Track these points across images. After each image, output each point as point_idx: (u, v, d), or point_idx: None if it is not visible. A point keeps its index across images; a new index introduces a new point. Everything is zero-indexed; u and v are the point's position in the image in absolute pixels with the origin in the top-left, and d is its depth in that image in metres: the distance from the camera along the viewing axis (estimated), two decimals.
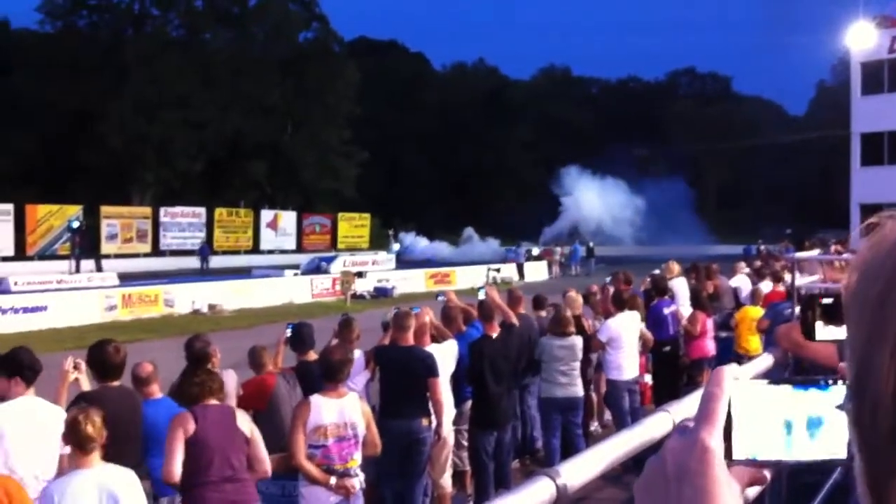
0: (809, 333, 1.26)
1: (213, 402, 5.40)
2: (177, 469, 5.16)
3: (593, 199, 53.20)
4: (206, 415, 5.28)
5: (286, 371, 7.27)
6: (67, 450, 4.69)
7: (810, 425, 0.82)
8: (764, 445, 0.83)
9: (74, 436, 4.51)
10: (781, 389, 0.83)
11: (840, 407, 0.78)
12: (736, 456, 0.82)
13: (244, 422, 5.45)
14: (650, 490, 0.78)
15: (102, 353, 5.96)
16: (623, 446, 2.75)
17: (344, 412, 5.90)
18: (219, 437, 5.26)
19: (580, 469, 2.37)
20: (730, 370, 0.83)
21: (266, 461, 5.48)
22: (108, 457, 4.73)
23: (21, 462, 5.19)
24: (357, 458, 5.99)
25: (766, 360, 5.21)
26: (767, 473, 0.85)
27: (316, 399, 5.89)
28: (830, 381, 0.82)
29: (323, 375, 6.08)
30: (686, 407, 3.15)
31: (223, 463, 5.25)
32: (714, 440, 0.77)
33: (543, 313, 10.44)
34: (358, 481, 5.96)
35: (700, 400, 0.82)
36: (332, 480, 5.77)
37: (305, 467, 5.79)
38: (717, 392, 0.81)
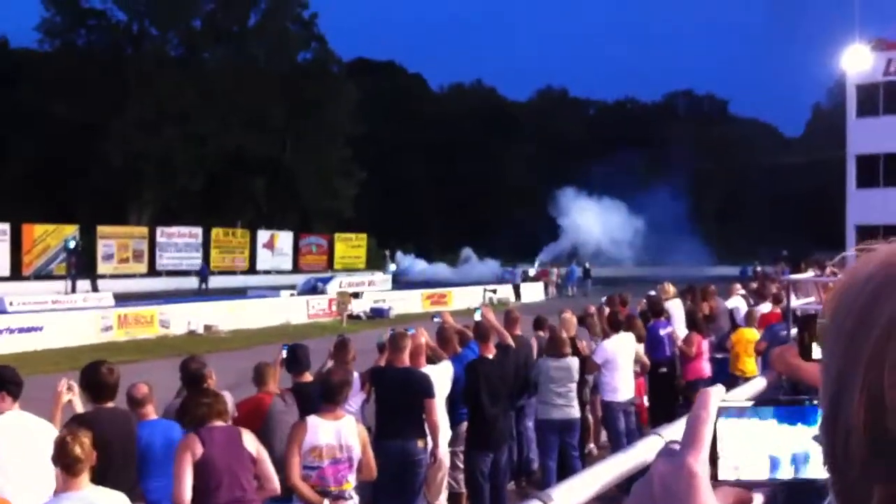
0: (806, 354, 1.25)
1: (220, 423, 5.37)
2: (187, 493, 5.12)
3: (591, 221, 53.29)
4: (213, 437, 5.25)
5: (284, 392, 7.23)
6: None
7: (796, 461, 0.82)
8: (749, 473, 0.83)
9: (63, 457, 4.48)
10: (767, 425, 0.84)
11: (816, 438, 0.78)
12: (722, 477, 0.82)
13: (250, 441, 5.42)
14: None
15: (96, 374, 5.94)
16: (616, 469, 2.75)
17: (340, 434, 5.88)
18: (227, 458, 5.22)
19: (573, 492, 2.37)
20: (716, 392, 0.83)
21: (274, 479, 5.46)
22: (102, 479, 4.71)
23: (13, 476, 5.17)
24: (352, 480, 5.96)
25: (761, 383, 5.21)
26: (760, 496, 0.85)
27: (313, 420, 5.87)
28: (815, 401, 0.83)
29: (322, 396, 6.06)
30: (680, 429, 3.15)
31: (232, 485, 5.22)
32: (700, 464, 0.77)
33: (542, 334, 10.45)
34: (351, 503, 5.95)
35: (686, 423, 0.82)
36: (326, 502, 5.75)
37: (300, 488, 5.75)
38: (703, 415, 0.81)
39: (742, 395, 4.41)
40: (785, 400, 0.85)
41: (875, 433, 0.66)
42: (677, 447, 0.80)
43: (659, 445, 2.96)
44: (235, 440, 5.34)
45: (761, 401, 0.86)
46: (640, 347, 10.43)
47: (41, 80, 49.24)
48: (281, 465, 5.77)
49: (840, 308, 0.72)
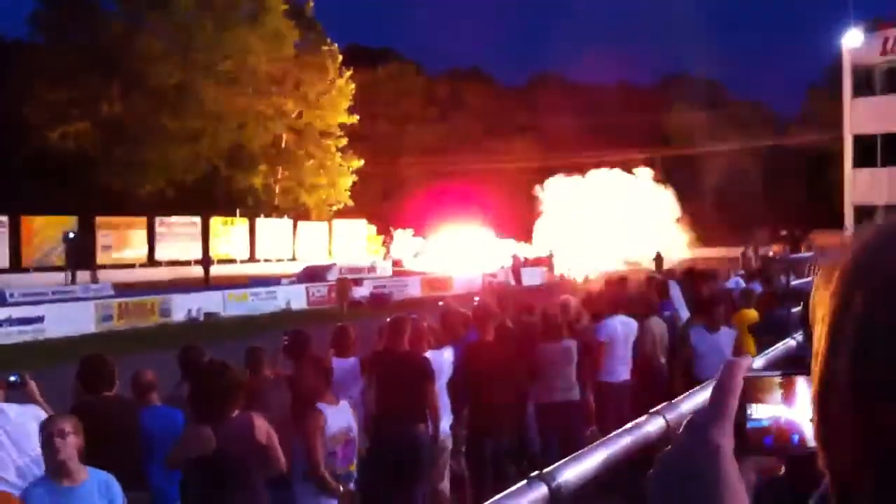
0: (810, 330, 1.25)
1: (235, 412, 5.25)
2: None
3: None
4: (227, 430, 5.14)
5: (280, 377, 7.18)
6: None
7: None
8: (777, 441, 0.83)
9: None
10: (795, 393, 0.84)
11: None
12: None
13: (262, 427, 5.31)
14: (661, 485, 0.79)
15: (92, 365, 6.04)
16: (617, 448, 2.76)
17: (345, 416, 5.94)
18: (239, 452, 5.13)
19: (574, 471, 2.38)
20: (741, 363, 0.83)
21: (282, 460, 5.40)
22: (104, 464, 4.75)
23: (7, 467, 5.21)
24: (355, 459, 6.02)
25: (760, 362, 5.22)
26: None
27: (324, 408, 5.84)
28: None
29: (319, 384, 6.03)
30: (680, 409, 3.16)
31: (241, 479, 5.16)
32: (724, 435, 0.77)
33: (540, 317, 10.45)
34: (353, 483, 6.01)
35: (710, 394, 0.82)
36: (342, 488, 5.77)
37: (326, 480, 5.65)
38: (728, 386, 0.80)
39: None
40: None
41: (859, 388, 0.67)
42: (702, 419, 0.80)
43: (660, 424, 2.98)
44: (248, 432, 5.21)
45: (787, 372, 0.85)
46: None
47: (34, 73, 49.11)
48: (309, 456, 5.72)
49: (822, 296, 0.73)
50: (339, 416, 5.88)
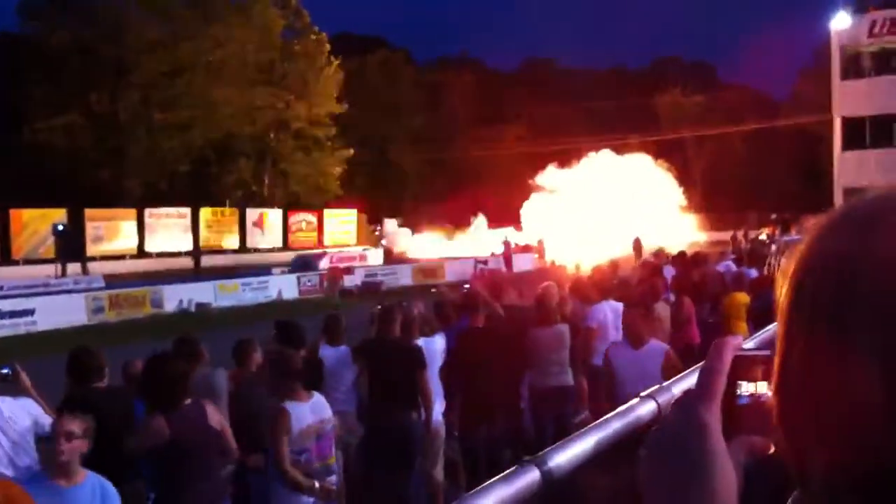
0: None
1: (187, 401, 5.25)
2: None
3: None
4: (180, 417, 5.14)
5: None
6: None
7: None
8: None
9: None
10: None
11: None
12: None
13: (214, 414, 5.35)
14: (651, 463, 0.79)
15: (80, 359, 6.03)
16: (609, 432, 2.76)
17: (318, 409, 5.84)
18: (194, 438, 5.14)
19: (565, 455, 2.38)
20: (731, 343, 0.83)
21: (234, 449, 5.45)
22: (101, 455, 4.74)
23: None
24: (333, 452, 5.96)
25: (750, 346, 5.23)
26: None
27: (291, 405, 5.68)
28: None
29: (295, 378, 5.88)
30: (671, 393, 3.17)
31: (199, 464, 5.18)
32: (711, 414, 0.78)
33: (534, 303, 10.45)
34: (335, 478, 5.93)
35: (699, 373, 0.82)
36: (316, 484, 5.63)
37: (293, 476, 5.54)
38: (717, 365, 0.81)
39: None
40: None
41: (810, 357, 0.68)
42: (691, 398, 0.80)
43: (652, 408, 2.98)
44: (202, 418, 5.24)
45: (769, 351, 0.85)
46: None
47: (23, 66, 48.87)
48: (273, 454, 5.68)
49: (782, 287, 0.74)
50: (310, 411, 5.74)
